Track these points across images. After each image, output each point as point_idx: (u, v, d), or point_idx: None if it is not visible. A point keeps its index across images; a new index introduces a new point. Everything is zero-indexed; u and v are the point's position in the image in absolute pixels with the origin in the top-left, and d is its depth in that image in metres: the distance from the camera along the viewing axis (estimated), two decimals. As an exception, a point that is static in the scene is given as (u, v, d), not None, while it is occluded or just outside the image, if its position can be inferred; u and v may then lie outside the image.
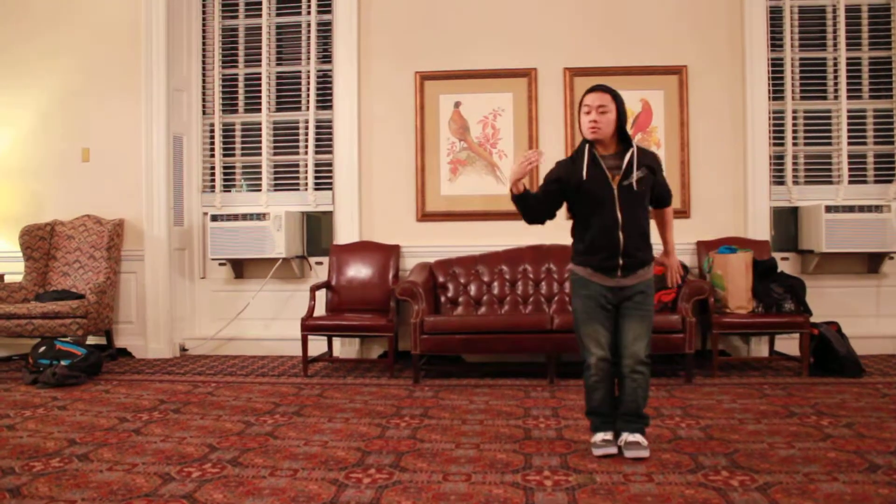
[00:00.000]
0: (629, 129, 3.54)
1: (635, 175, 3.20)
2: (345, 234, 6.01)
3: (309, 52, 6.26)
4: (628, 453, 3.18)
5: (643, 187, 3.23)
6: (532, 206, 3.32)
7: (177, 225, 6.19)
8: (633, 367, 3.23)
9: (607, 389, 3.29)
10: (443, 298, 5.64)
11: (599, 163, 3.22)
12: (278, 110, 6.34)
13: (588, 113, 3.22)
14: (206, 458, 3.27)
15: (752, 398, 4.36)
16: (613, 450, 3.23)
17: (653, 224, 3.39)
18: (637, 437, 3.21)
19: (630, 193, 3.20)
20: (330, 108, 6.17)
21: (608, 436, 3.27)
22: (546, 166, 3.47)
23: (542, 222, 3.40)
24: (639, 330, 3.25)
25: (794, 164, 5.93)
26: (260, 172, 6.29)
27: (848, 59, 5.87)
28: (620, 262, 3.21)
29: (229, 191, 6.39)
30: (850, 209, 5.55)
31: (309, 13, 6.26)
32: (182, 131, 6.26)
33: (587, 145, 3.27)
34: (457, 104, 5.98)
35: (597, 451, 3.24)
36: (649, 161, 3.26)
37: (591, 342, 3.26)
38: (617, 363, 3.28)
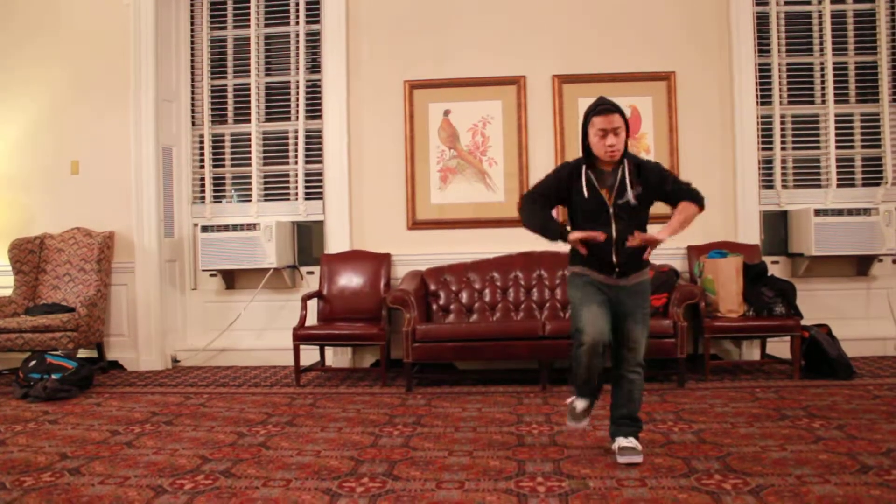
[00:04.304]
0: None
1: (630, 193, 3.18)
2: (335, 243, 6.00)
3: (298, 63, 6.26)
4: (622, 459, 3.18)
5: (640, 203, 3.21)
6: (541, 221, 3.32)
7: (167, 236, 6.17)
8: (632, 369, 3.28)
9: (600, 367, 3.20)
10: (434, 306, 5.64)
11: (594, 184, 3.20)
12: (268, 120, 6.34)
13: (604, 136, 3.15)
14: (199, 469, 3.25)
15: (744, 401, 4.37)
16: (585, 424, 3.35)
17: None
18: (632, 442, 3.22)
19: (626, 210, 3.19)
20: (319, 117, 6.17)
21: (586, 404, 3.31)
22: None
23: None
24: (640, 334, 3.27)
25: (783, 168, 5.97)
26: (250, 183, 6.28)
27: (834, 63, 5.91)
28: (616, 269, 3.23)
29: (219, 201, 6.38)
30: (839, 212, 5.57)
31: (297, 23, 6.27)
32: (171, 142, 6.25)
33: (584, 166, 3.23)
34: (446, 112, 5.99)
35: (571, 423, 3.35)
36: (647, 175, 3.22)
37: (588, 325, 3.14)
38: (616, 366, 3.31)
